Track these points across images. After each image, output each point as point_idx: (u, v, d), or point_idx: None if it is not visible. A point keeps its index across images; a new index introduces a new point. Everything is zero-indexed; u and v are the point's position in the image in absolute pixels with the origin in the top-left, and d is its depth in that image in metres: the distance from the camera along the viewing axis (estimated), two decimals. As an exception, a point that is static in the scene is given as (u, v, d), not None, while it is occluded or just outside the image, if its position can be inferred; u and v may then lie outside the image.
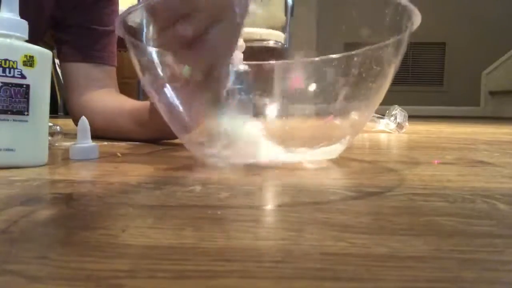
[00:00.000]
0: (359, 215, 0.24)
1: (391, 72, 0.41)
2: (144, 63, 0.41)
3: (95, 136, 0.48)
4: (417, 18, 0.39)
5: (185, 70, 0.39)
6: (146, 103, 0.62)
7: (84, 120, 0.45)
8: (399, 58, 0.40)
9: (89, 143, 0.46)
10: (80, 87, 0.74)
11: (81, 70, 0.74)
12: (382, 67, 0.41)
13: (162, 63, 0.40)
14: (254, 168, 0.41)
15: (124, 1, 0.88)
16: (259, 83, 0.49)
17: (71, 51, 0.74)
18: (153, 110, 0.58)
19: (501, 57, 3.61)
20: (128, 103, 0.69)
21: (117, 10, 0.79)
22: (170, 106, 0.41)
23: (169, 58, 0.38)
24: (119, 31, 0.38)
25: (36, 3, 0.68)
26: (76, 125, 0.46)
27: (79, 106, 0.73)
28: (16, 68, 0.36)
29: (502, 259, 0.18)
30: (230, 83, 0.51)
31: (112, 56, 0.77)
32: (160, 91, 0.41)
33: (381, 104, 0.44)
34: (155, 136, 0.64)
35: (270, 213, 0.24)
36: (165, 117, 0.42)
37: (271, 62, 0.48)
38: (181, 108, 0.41)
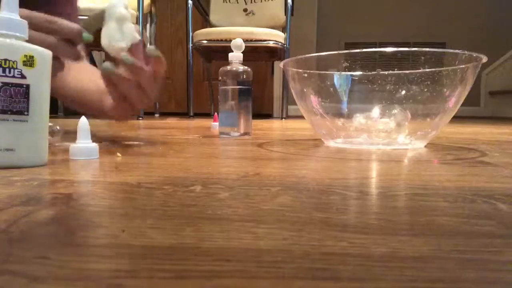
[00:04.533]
0: (359, 215, 0.24)
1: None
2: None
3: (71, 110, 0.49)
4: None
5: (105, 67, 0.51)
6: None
7: (84, 120, 0.45)
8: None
9: (89, 143, 0.46)
10: None
11: None
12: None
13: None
14: (254, 168, 0.41)
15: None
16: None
17: None
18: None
19: (501, 57, 3.60)
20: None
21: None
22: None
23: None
24: None
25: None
26: (65, 106, 0.47)
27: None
28: (16, 68, 0.36)
29: (502, 259, 0.18)
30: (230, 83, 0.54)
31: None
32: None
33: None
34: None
35: (270, 213, 0.24)
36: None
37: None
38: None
